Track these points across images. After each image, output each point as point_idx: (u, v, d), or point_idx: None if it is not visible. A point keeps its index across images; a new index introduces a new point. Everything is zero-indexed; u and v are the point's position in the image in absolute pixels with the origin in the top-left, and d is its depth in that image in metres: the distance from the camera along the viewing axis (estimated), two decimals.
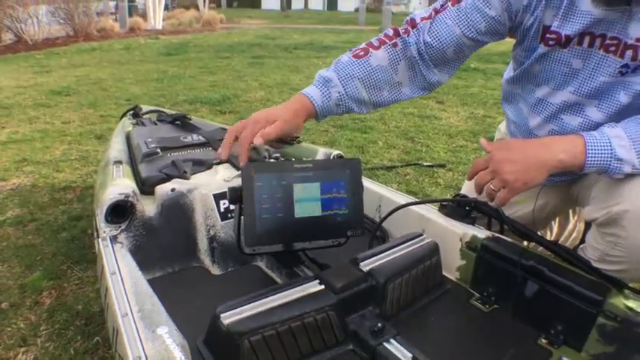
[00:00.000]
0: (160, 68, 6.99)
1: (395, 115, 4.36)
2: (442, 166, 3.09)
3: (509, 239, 1.26)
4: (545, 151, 1.09)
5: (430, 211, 1.43)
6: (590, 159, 1.06)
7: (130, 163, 1.66)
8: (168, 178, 1.49)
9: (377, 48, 1.30)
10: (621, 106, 1.17)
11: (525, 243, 1.36)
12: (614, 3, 1.06)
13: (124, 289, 1.05)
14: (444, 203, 1.41)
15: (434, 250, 1.25)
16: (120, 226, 1.33)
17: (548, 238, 1.66)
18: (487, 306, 1.23)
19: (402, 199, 1.52)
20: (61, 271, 1.88)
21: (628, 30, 1.09)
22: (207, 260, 1.44)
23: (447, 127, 4.04)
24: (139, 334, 0.90)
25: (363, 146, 3.48)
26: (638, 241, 1.08)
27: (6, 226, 2.23)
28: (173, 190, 1.42)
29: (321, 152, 1.74)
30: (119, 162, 1.59)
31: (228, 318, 0.93)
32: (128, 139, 1.91)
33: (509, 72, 1.42)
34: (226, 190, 1.23)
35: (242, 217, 1.19)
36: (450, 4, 1.25)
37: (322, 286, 1.05)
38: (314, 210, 1.21)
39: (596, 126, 1.16)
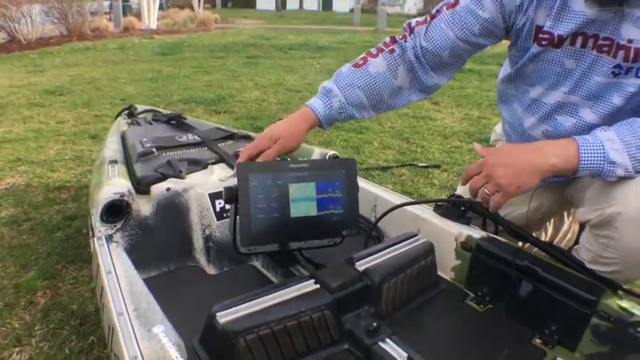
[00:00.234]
0: (155, 68, 6.97)
1: (390, 115, 4.36)
2: (437, 166, 3.10)
3: (503, 239, 1.27)
4: (538, 156, 1.09)
5: (425, 212, 1.43)
6: (583, 162, 1.07)
7: (126, 162, 1.66)
8: (163, 177, 1.49)
9: (375, 56, 1.34)
10: (615, 108, 1.18)
11: (520, 244, 1.37)
12: (606, 3, 1.07)
13: (120, 288, 1.05)
14: (439, 203, 1.42)
15: (429, 250, 1.26)
16: (115, 226, 1.33)
17: (542, 239, 1.67)
18: (482, 306, 1.24)
19: (397, 199, 1.53)
20: (56, 271, 1.88)
21: (620, 30, 1.10)
22: (202, 260, 1.44)
23: (442, 128, 4.05)
24: (134, 333, 0.90)
25: (358, 146, 3.48)
26: (630, 242, 1.08)
27: (0, 226, 2.22)
28: (168, 189, 1.42)
29: (317, 152, 1.74)
30: (114, 161, 1.59)
31: (224, 317, 0.94)
32: (123, 138, 1.91)
33: (503, 72, 1.42)
34: (222, 189, 1.23)
35: (238, 216, 1.19)
36: (444, 8, 1.27)
37: (318, 286, 1.06)
38: (309, 210, 1.22)
39: (589, 127, 1.17)
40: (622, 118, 1.12)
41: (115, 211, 1.32)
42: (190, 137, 1.87)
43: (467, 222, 1.35)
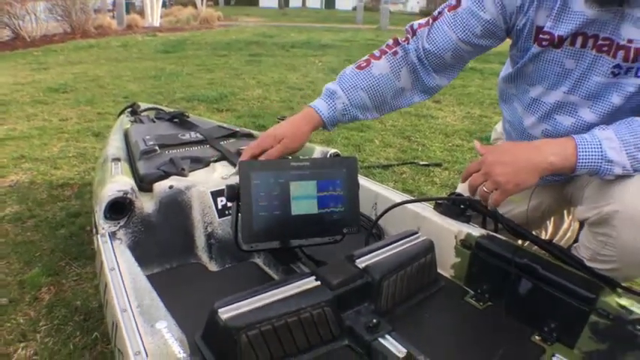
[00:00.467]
0: (158, 66, 6.98)
1: (392, 114, 4.36)
2: (438, 165, 3.11)
3: (503, 237, 1.28)
4: (537, 154, 1.10)
5: (425, 210, 1.44)
6: (581, 161, 1.08)
7: (129, 160, 1.67)
8: (166, 175, 1.50)
9: (378, 58, 1.35)
10: (614, 108, 1.19)
11: (520, 242, 1.38)
12: (606, 3, 1.07)
13: (123, 284, 1.06)
14: (440, 202, 1.43)
15: (429, 247, 1.27)
16: (119, 223, 1.34)
17: (543, 237, 1.68)
18: (481, 303, 1.24)
19: (397, 197, 1.54)
20: (60, 268, 1.89)
21: (620, 31, 1.11)
22: (204, 257, 1.45)
23: (444, 126, 4.05)
24: (138, 329, 0.91)
25: (359, 145, 3.49)
26: (628, 240, 1.09)
27: (5, 223, 2.24)
28: (171, 187, 1.43)
29: (318, 150, 1.75)
30: (117, 159, 1.60)
31: (226, 313, 0.95)
32: (126, 136, 1.92)
33: (504, 71, 1.43)
34: (224, 187, 1.24)
35: (239, 214, 1.20)
36: (446, 10, 1.28)
37: (318, 283, 1.07)
38: (310, 207, 1.23)
39: (588, 127, 1.18)
40: (621, 118, 1.13)
41: (119, 208, 1.34)
42: (193, 135, 1.88)
43: (467, 220, 1.36)
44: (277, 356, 0.97)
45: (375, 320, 1.04)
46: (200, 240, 1.46)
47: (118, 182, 1.36)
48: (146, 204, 1.40)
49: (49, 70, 6.58)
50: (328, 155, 1.70)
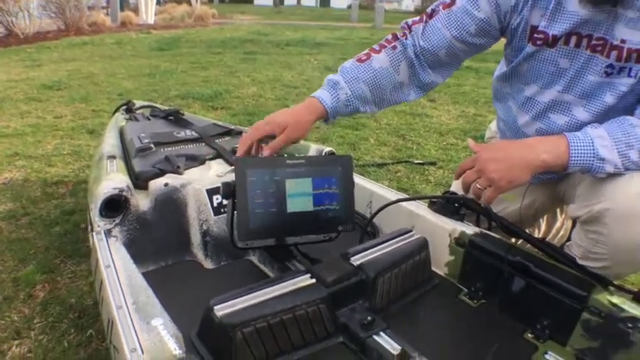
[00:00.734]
0: (152, 63, 6.96)
1: (386, 112, 4.37)
2: (433, 163, 3.11)
3: (496, 236, 1.29)
4: (529, 152, 1.11)
5: (420, 208, 1.45)
6: (573, 159, 1.09)
7: (124, 158, 1.67)
8: (161, 173, 1.50)
9: (378, 52, 1.36)
10: (607, 107, 1.20)
11: (513, 240, 1.39)
12: (600, 3, 1.09)
13: (119, 281, 1.06)
14: (434, 200, 1.44)
15: (423, 245, 1.27)
16: (114, 220, 1.34)
17: (536, 235, 1.69)
18: (475, 301, 1.25)
19: (392, 195, 1.55)
20: (55, 265, 1.89)
21: (614, 31, 1.12)
22: (200, 254, 1.46)
23: (438, 125, 4.06)
24: (133, 326, 0.91)
25: (354, 143, 3.49)
26: (618, 238, 1.10)
27: None
28: (166, 184, 1.43)
29: (313, 148, 1.75)
30: (113, 157, 1.60)
31: (221, 310, 0.95)
32: (121, 134, 1.92)
33: (499, 70, 1.44)
34: (219, 185, 1.24)
35: (235, 211, 1.21)
36: (441, 8, 1.29)
37: (313, 280, 1.07)
38: (306, 205, 1.23)
39: (582, 125, 1.19)
40: (614, 117, 1.14)
41: (114, 206, 1.34)
42: (188, 133, 1.88)
43: (461, 218, 1.37)
44: (272, 353, 0.98)
45: (369, 317, 1.05)
46: (195, 237, 1.46)
47: (113, 180, 1.36)
48: (141, 202, 1.40)
49: (42, 67, 6.55)
50: (323, 153, 1.71)
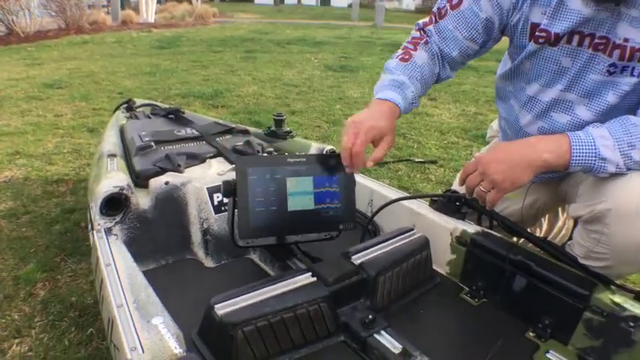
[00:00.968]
0: (153, 62, 6.96)
1: None
2: (434, 162, 3.11)
3: (498, 235, 1.29)
4: (531, 151, 1.11)
5: (421, 206, 1.44)
6: (574, 158, 1.09)
7: (124, 156, 1.67)
8: (162, 171, 1.50)
9: (414, 50, 1.35)
10: (609, 106, 1.19)
11: (515, 239, 1.38)
12: (603, 1, 1.08)
13: (119, 280, 1.06)
14: (435, 199, 1.43)
15: (424, 244, 1.27)
16: (114, 219, 1.34)
17: (537, 235, 1.68)
18: (476, 300, 1.25)
19: (393, 194, 1.54)
20: (55, 264, 1.89)
21: (616, 30, 1.11)
22: (200, 253, 1.45)
23: (439, 123, 4.06)
24: (134, 325, 0.91)
25: None
26: (620, 238, 1.10)
27: None
28: (167, 183, 1.43)
29: (314, 147, 1.75)
30: (113, 155, 1.60)
31: (222, 309, 0.95)
32: (122, 132, 1.92)
33: (501, 68, 1.44)
34: (220, 183, 1.24)
35: (236, 210, 1.21)
36: (449, 7, 1.29)
37: (314, 279, 1.07)
38: (307, 203, 1.23)
39: (584, 124, 1.18)
40: (616, 116, 1.13)
41: (115, 204, 1.34)
42: (189, 131, 1.88)
43: (462, 217, 1.37)
44: (273, 352, 0.98)
45: (370, 316, 1.05)
46: (196, 236, 1.46)
47: (113, 178, 1.36)
48: (142, 200, 1.40)
49: (43, 65, 6.54)
50: (324, 152, 1.70)
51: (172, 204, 1.44)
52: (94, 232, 1.30)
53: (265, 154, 1.69)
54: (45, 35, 10.07)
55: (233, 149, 1.71)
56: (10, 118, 3.86)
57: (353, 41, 10.20)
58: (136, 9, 14.85)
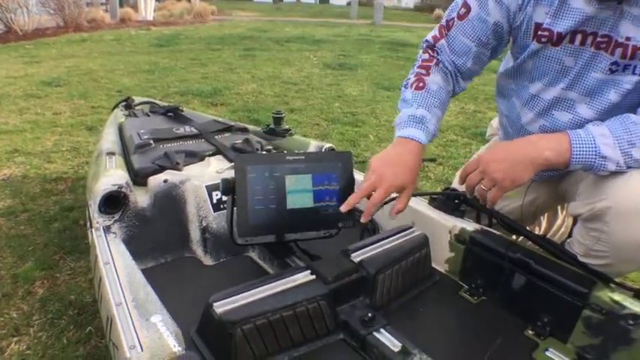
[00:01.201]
0: (151, 60, 6.94)
1: (386, 109, 4.37)
2: (433, 160, 3.10)
3: (497, 232, 1.29)
4: (532, 149, 1.11)
5: (420, 204, 1.44)
6: (575, 156, 1.09)
7: (123, 154, 1.67)
8: (160, 169, 1.50)
9: (427, 74, 1.33)
10: (611, 105, 1.19)
11: (514, 237, 1.38)
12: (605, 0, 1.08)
13: (118, 278, 1.06)
14: (434, 196, 1.43)
15: (423, 242, 1.27)
16: (113, 217, 1.34)
17: (536, 233, 1.68)
18: (475, 297, 1.25)
19: None
20: (54, 262, 1.89)
21: (619, 28, 1.11)
22: (199, 251, 1.45)
23: None
24: (133, 323, 0.91)
25: (354, 140, 3.49)
26: (620, 236, 1.10)
27: None
28: (166, 181, 1.43)
29: (313, 145, 1.75)
30: (112, 153, 1.60)
31: (221, 307, 0.95)
32: (121, 130, 1.92)
33: (504, 66, 1.44)
34: (219, 181, 1.24)
35: (235, 208, 1.20)
36: (456, 19, 1.29)
37: (313, 277, 1.07)
38: (306, 201, 1.23)
39: (585, 123, 1.18)
40: (617, 115, 1.13)
41: (113, 202, 1.33)
42: (187, 129, 1.87)
43: (461, 215, 1.37)
44: (272, 350, 0.98)
45: (370, 314, 1.04)
46: (195, 234, 1.46)
47: (112, 176, 1.36)
48: (141, 198, 1.40)
49: (41, 63, 6.53)
50: (323, 150, 1.70)
51: (171, 202, 1.44)
52: (93, 230, 1.30)
53: (264, 152, 1.69)
54: (43, 33, 10.04)
55: (232, 147, 1.71)
56: (8, 116, 3.85)
57: (352, 39, 10.18)
58: (135, 7, 14.81)
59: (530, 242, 1.28)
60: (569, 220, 1.75)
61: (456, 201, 1.37)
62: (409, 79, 1.35)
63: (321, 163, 1.25)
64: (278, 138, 1.95)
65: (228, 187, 1.20)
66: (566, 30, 1.15)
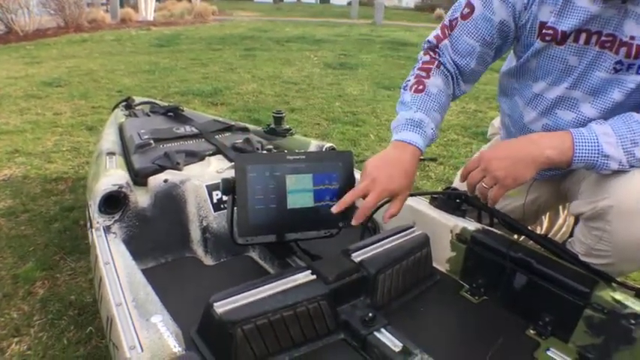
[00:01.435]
0: (152, 60, 6.94)
1: (386, 108, 4.37)
2: (433, 159, 3.10)
3: (498, 232, 1.28)
4: (534, 148, 1.11)
5: (421, 204, 1.44)
6: (577, 155, 1.08)
7: (123, 154, 1.67)
8: (161, 169, 1.50)
9: (427, 77, 1.31)
10: (614, 104, 1.19)
11: (515, 236, 1.38)
12: None
13: (118, 278, 1.06)
14: (435, 196, 1.43)
15: (424, 241, 1.27)
16: (113, 217, 1.34)
17: (538, 232, 1.68)
18: (476, 297, 1.25)
19: None
20: (54, 262, 1.89)
21: (623, 27, 1.11)
22: (200, 251, 1.45)
23: None
24: (133, 323, 0.91)
25: (355, 139, 3.49)
26: (622, 236, 1.10)
27: None
28: (166, 181, 1.43)
29: (314, 144, 1.75)
30: (112, 153, 1.60)
31: (221, 307, 0.95)
32: (121, 130, 1.91)
33: (507, 65, 1.43)
34: (219, 181, 1.24)
35: (235, 207, 1.20)
36: (460, 18, 1.28)
37: (314, 277, 1.07)
38: (306, 201, 1.23)
39: (589, 122, 1.18)
40: (620, 114, 1.13)
41: (113, 202, 1.33)
42: (188, 129, 1.87)
43: (462, 214, 1.36)
44: (273, 350, 0.97)
45: (370, 314, 1.04)
46: (195, 234, 1.45)
47: (112, 176, 1.35)
48: (141, 198, 1.40)
49: (42, 64, 6.53)
50: (324, 149, 1.70)
51: (171, 202, 1.43)
52: (93, 230, 1.30)
53: (265, 152, 1.69)
54: (44, 34, 10.04)
55: (232, 147, 1.71)
56: (9, 117, 3.85)
57: (352, 39, 10.18)
58: (135, 7, 14.82)
59: (531, 242, 1.28)
60: (571, 220, 1.74)
61: (457, 200, 1.37)
62: (409, 80, 1.34)
63: (321, 162, 1.25)
64: (278, 138, 1.94)
65: (228, 186, 1.20)
66: (571, 29, 1.14)
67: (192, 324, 1.03)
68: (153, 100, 2.50)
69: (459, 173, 1.30)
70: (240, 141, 1.75)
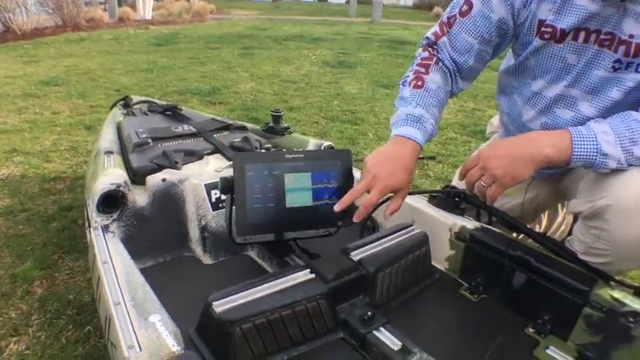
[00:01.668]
0: (150, 59, 6.93)
1: (385, 107, 4.36)
2: (432, 158, 3.10)
3: (497, 230, 1.28)
4: (532, 146, 1.11)
5: (420, 202, 1.44)
6: (576, 154, 1.08)
7: (121, 153, 1.66)
8: (159, 168, 1.50)
9: (427, 73, 1.31)
10: (613, 103, 1.19)
11: (514, 235, 1.38)
12: None
13: (117, 278, 1.06)
14: (434, 194, 1.43)
15: (423, 240, 1.27)
16: (111, 216, 1.33)
17: (537, 230, 1.68)
18: (475, 295, 1.25)
19: None
20: (52, 261, 1.89)
21: (622, 26, 1.11)
22: (198, 250, 1.45)
23: None
24: (131, 323, 0.90)
25: (353, 138, 3.49)
26: (620, 234, 1.10)
27: None
28: (164, 180, 1.43)
29: (312, 143, 1.74)
30: (110, 152, 1.60)
31: (220, 306, 0.94)
32: (119, 129, 1.91)
33: (505, 63, 1.43)
34: (218, 180, 1.24)
35: (234, 206, 1.20)
36: (458, 15, 1.28)
37: (313, 275, 1.06)
38: (305, 200, 1.23)
39: (587, 121, 1.17)
40: (619, 112, 1.13)
41: (111, 201, 1.33)
42: (186, 128, 1.87)
43: (461, 213, 1.36)
44: (272, 349, 0.97)
45: (369, 313, 1.04)
46: (194, 233, 1.45)
47: (110, 175, 1.35)
48: (139, 197, 1.39)
49: (40, 63, 6.52)
50: (322, 148, 1.70)
51: (170, 201, 1.43)
52: (91, 229, 1.30)
53: (263, 151, 1.69)
54: (42, 32, 10.02)
55: (231, 146, 1.70)
56: (7, 116, 3.85)
57: (351, 37, 10.17)
58: (133, 6, 14.80)
59: (530, 240, 1.28)
60: (570, 218, 1.74)
61: (456, 199, 1.37)
62: (407, 76, 1.33)
63: (320, 161, 1.25)
64: (277, 136, 1.94)
65: (226, 185, 1.20)
66: (570, 27, 1.14)
67: (190, 323, 1.03)
68: (151, 99, 2.50)
69: (457, 172, 1.30)
70: (239, 140, 1.75)
